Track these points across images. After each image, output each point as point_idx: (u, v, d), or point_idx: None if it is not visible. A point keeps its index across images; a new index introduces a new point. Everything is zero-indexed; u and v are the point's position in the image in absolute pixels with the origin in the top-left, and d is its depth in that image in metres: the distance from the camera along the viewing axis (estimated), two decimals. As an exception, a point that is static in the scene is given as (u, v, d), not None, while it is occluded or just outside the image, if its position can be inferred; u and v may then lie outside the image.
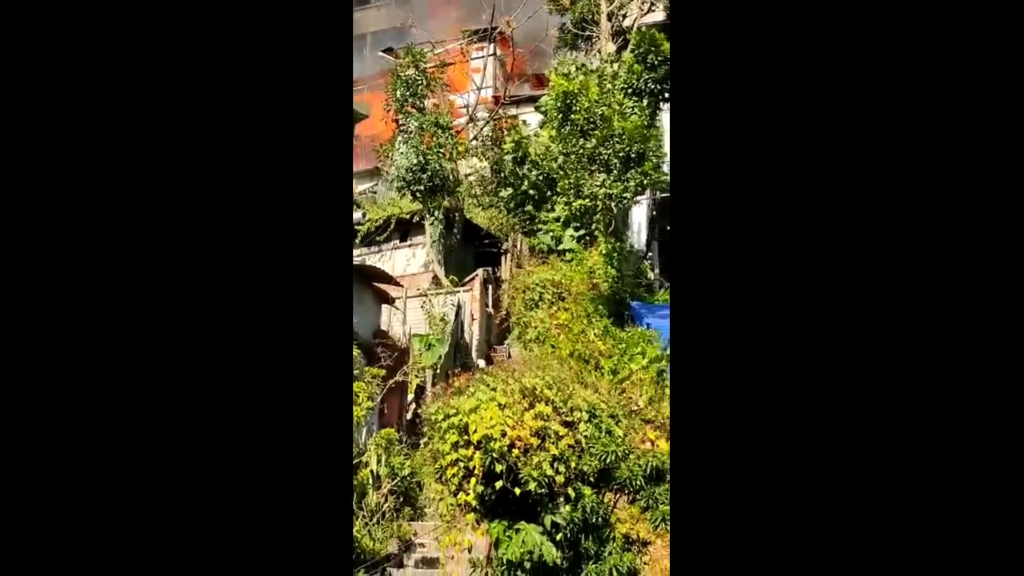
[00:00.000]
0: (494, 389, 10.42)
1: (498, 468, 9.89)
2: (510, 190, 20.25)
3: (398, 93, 20.07)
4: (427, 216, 19.55)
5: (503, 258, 20.36)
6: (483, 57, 24.90)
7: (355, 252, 20.80)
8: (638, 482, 10.55)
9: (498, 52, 25.47)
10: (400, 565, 11.92)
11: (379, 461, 12.70)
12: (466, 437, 10.05)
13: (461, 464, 10.07)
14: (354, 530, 11.79)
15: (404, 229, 20.88)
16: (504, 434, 9.89)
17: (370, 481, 12.50)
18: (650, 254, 21.06)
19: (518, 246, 20.07)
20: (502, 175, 20.86)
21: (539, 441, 10.05)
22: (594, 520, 10.30)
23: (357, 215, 18.71)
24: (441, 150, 19.38)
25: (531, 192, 20.02)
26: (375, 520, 12.17)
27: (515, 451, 9.91)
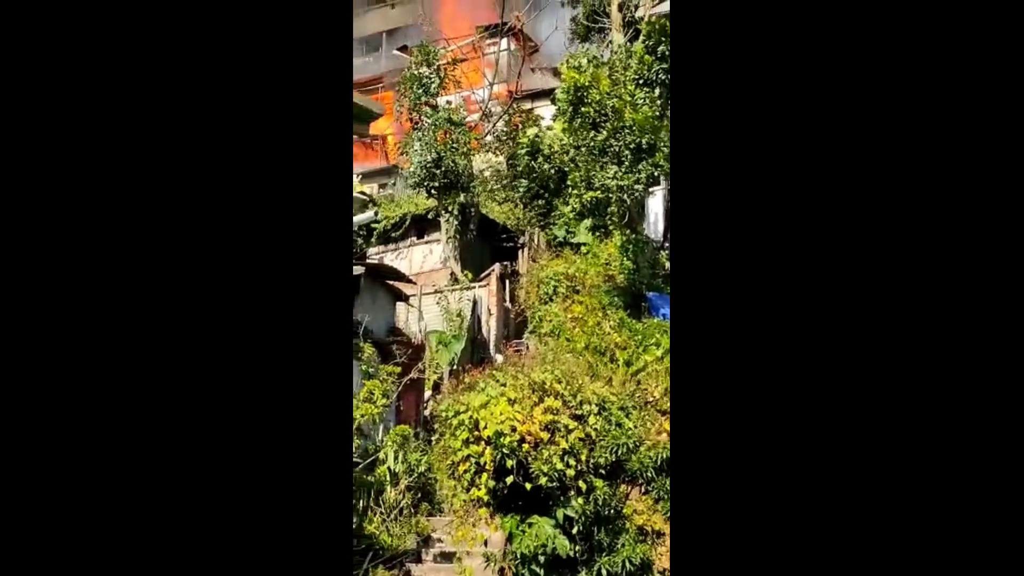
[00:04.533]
0: (504, 384, 10.50)
1: (509, 463, 9.98)
2: (525, 183, 20.29)
3: (412, 91, 20.20)
4: (443, 212, 19.65)
5: (520, 252, 20.43)
6: (496, 52, 24.93)
7: (371, 251, 20.98)
8: (649, 473, 10.59)
9: (511, 47, 25.48)
10: (418, 560, 12.06)
11: (396, 458, 12.84)
12: (477, 433, 10.15)
13: (472, 460, 10.17)
14: (372, 526, 11.95)
15: (421, 226, 21.01)
16: (514, 429, 9.97)
17: (387, 478, 12.65)
18: (667, 244, 20.99)
19: (535, 240, 20.13)
20: (517, 169, 20.92)
21: (549, 435, 10.11)
22: (607, 512, 10.36)
23: (370, 214, 18.85)
24: (455, 146, 19.48)
25: (546, 185, 20.06)
26: (393, 516, 12.31)
27: (525, 446, 9.99)
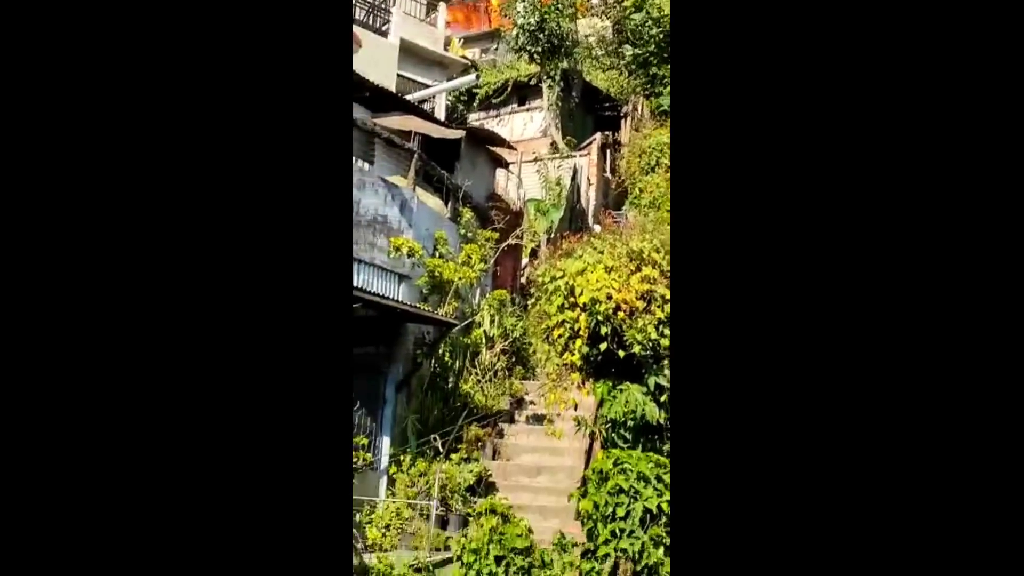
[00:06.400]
0: (601, 252, 10.37)
1: (603, 330, 9.95)
2: (632, 49, 19.56)
3: (516, -50, 19.48)
4: (544, 79, 19.21)
5: (623, 121, 19.91)
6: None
7: (472, 116, 20.78)
8: (746, 347, 10.45)
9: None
10: (511, 420, 12.40)
11: (492, 322, 13.07)
12: (572, 299, 10.11)
13: (567, 325, 10.17)
14: (467, 386, 12.30)
15: (522, 93, 20.63)
16: (610, 297, 9.88)
17: (483, 341, 12.91)
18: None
19: (638, 109, 19.55)
20: (623, 33, 20.14)
21: (645, 304, 10.00)
22: (699, 383, 10.32)
23: (471, 77, 18.52)
24: (559, 8, 18.83)
25: (653, 50, 19.28)
26: (487, 378, 12.62)
27: (620, 314, 9.91)
